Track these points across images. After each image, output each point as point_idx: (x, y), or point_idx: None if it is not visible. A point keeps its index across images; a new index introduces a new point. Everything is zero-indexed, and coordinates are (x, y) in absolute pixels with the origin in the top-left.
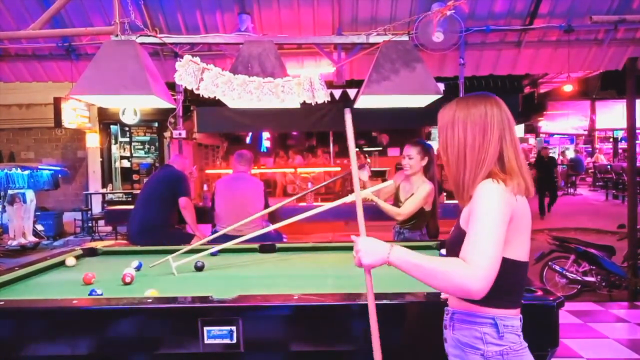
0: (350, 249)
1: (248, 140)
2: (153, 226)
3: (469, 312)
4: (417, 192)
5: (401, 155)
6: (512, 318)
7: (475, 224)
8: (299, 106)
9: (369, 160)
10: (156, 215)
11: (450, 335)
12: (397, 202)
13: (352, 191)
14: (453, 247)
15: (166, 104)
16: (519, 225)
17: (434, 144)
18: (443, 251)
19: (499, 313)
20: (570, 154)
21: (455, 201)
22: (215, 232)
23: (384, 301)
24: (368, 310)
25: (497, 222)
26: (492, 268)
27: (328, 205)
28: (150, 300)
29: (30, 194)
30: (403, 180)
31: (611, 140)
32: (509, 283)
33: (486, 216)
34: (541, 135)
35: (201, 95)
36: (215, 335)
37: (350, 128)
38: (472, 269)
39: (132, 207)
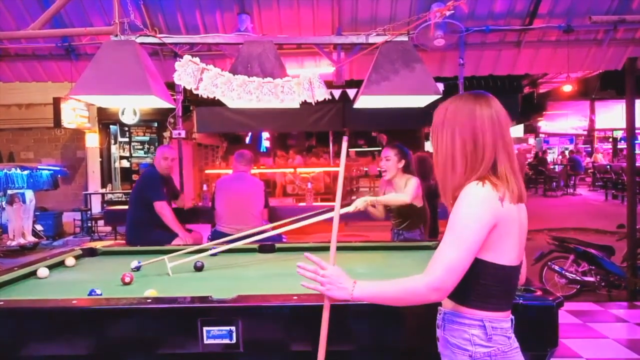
0: (350, 249)
1: (248, 140)
2: (137, 226)
3: (458, 313)
4: (409, 183)
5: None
6: (500, 320)
7: (447, 230)
8: (298, 106)
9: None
10: (138, 215)
11: (442, 335)
12: (385, 208)
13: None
14: None
15: (166, 104)
16: (505, 231)
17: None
18: None
19: (487, 315)
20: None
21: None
22: (215, 231)
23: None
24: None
25: (469, 229)
26: (447, 274)
27: (325, 216)
28: (149, 301)
29: (29, 194)
30: (387, 187)
31: (610, 140)
32: (495, 287)
33: (459, 222)
34: (540, 135)
35: (200, 95)
36: (214, 335)
37: (344, 154)
38: (425, 280)
39: None
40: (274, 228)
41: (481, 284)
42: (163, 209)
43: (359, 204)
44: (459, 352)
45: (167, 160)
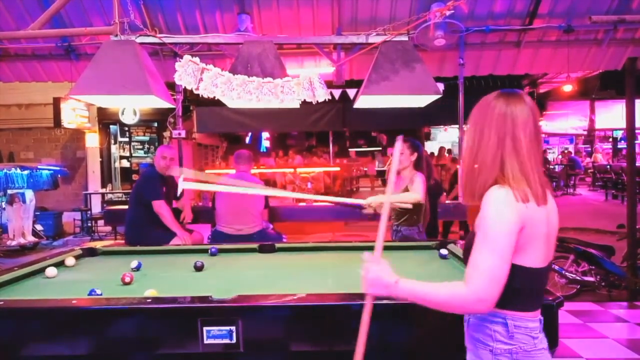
0: (350, 249)
1: (248, 140)
2: (136, 225)
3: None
4: (415, 181)
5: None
6: (526, 320)
7: (478, 238)
8: (298, 106)
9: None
10: (137, 215)
11: (467, 329)
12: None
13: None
14: (468, 252)
15: (166, 104)
16: (532, 233)
17: (434, 144)
18: (442, 251)
19: (511, 314)
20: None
21: (456, 201)
22: (215, 232)
23: (384, 301)
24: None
25: (499, 234)
26: (490, 284)
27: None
28: (149, 300)
29: (29, 194)
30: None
31: (610, 140)
32: (521, 288)
33: (489, 229)
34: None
35: (201, 95)
36: (214, 335)
37: (397, 155)
38: (470, 292)
39: None
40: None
41: (507, 285)
42: (161, 208)
43: (372, 202)
44: (480, 347)
45: (166, 159)
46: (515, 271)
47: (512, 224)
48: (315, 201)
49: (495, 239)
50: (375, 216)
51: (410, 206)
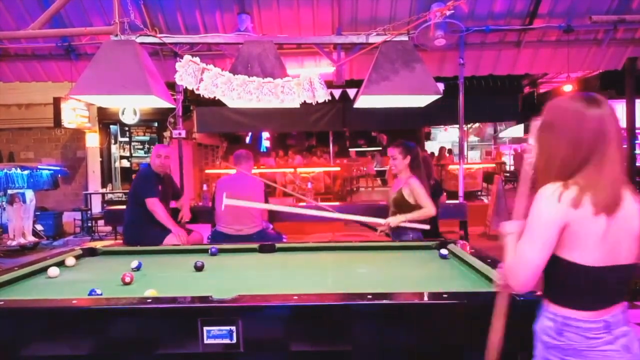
0: (350, 249)
1: (248, 140)
2: (133, 224)
3: (542, 303)
4: (414, 190)
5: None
6: (578, 319)
7: (525, 230)
8: (298, 106)
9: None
10: (134, 214)
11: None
12: (390, 201)
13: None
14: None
15: (166, 104)
16: (579, 232)
17: (434, 144)
18: (443, 251)
19: (562, 311)
20: None
21: (456, 201)
22: (215, 232)
23: (384, 301)
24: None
25: (538, 228)
26: (527, 271)
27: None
28: (149, 300)
29: (29, 194)
30: (395, 182)
31: None
32: (571, 284)
33: (530, 223)
34: None
35: (201, 95)
36: (215, 335)
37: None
38: (507, 268)
39: None
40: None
41: (556, 280)
42: (154, 205)
43: (391, 222)
44: (538, 339)
45: (161, 157)
46: (564, 266)
47: (548, 221)
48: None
49: (532, 232)
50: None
51: (427, 226)
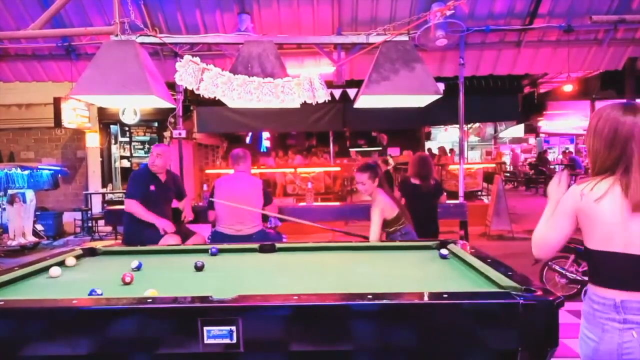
0: (350, 249)
1: (248, 140)
2: (130, 224)
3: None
4: (372, 214)
5: (400, 155)
6: (602, 297)
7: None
8: (298, 106)
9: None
10: (127, 214)
11: None
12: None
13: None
14: None
15: (166, 104)
16: (586, 221)
17: (434, 144)
18: (443, 251)
19: (592, 289)
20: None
21: (456, 201)
22: (215, 232)
23: (384, 301)
24: None
25: (556, 214)
26: (537, 238)
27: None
28: (149, 301)
29: (30, 194)
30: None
31: None
32: (596, 266)
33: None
34: (541, 135)
35: (201, 95)
36: (215, 335)
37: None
38: (534, 235)
39: None
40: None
41: (589, 263)
42: (131, 206)
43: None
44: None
45: (153, 155)
46: (588, 251)
47: (561, 207)
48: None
49: (553, 216)
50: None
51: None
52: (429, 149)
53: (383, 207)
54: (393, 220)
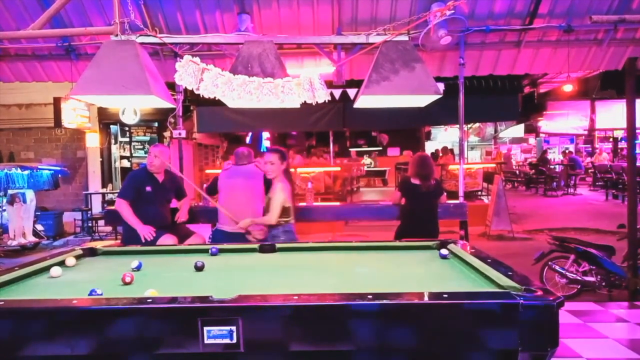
0: (350, 248)
1: (248, 140)
2: (127, 224)
3: None
4: (274, 195)
5: (400, 155)
6: None
7: None
8: (298, 106)
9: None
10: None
11: None
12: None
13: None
14: None
15: (166, 104)
16: None
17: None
18: (443, 251)
19: None
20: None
21: (456, 201)
22: (216, 231)
23: (384, 301)
24: None
25: None
26: None
27: None
28: (150, 300)
29: (30, 194)
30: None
31: (611, 140)
32: None
33: None
34: (541, 135)
35: (201, 95)
36: (215, 335)
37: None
38: None
39: None
40: None
41: None
42: (120, 206)
43: (242, 224)
44: None
45: (150, 155)
46: None
47: None
48: (315, 200)
49: None
50: (377, 216)
51: (268, 223)
52: (437, 150)
53: (287, 194)
54: (284, 211)
